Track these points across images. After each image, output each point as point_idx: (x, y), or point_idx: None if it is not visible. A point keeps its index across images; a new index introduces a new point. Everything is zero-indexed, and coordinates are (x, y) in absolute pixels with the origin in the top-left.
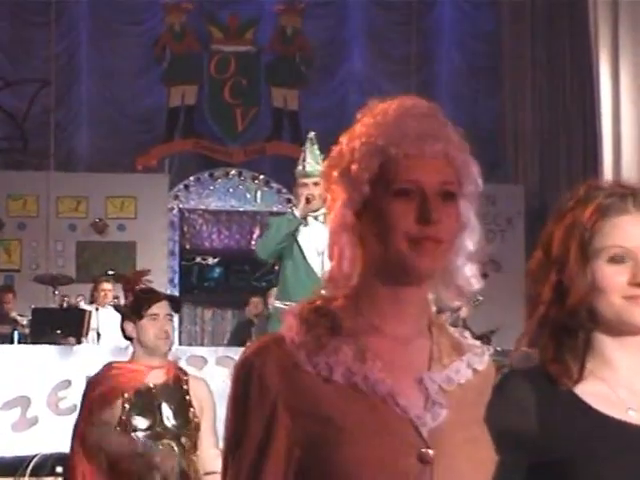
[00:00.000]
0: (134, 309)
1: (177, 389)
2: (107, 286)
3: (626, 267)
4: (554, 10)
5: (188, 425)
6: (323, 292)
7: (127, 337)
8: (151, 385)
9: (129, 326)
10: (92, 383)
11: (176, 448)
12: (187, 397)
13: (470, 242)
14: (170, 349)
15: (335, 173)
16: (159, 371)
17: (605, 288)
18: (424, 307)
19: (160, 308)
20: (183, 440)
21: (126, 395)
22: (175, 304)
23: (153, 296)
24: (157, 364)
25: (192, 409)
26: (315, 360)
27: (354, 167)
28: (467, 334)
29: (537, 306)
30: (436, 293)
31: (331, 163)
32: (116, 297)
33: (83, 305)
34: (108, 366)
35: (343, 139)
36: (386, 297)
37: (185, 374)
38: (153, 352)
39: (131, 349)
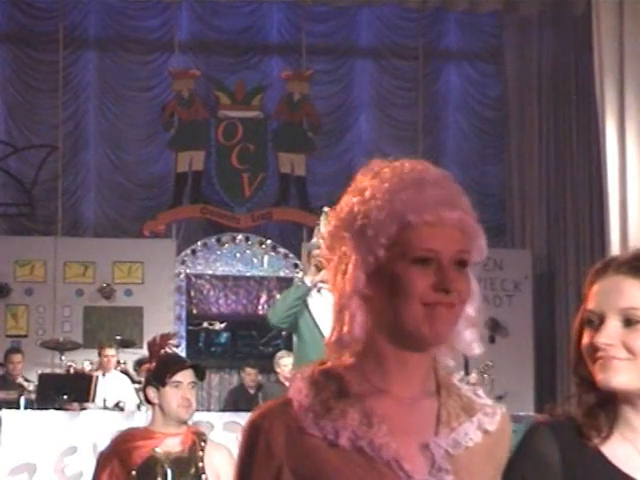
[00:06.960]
0: (157, 375)
1: (190, 456)
2: (110, 352)
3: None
4: (560, 75)
5: None
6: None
7: (149, 402)
8: (160, 452)
9: (151, 392)
10: (102, 459)
11: None
12: (200, 464)
13: (471, 307)
14: (191, 417)
15: (346, 234)
16: (175, 439)
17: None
18: (430, 369)
19: (184, 376)
20: None
21: (133, 473)
22: (199, 372)
23: (177, 364)
24: (174, 431)
25: (204, 475)
26: (321, 424)
27: (371, 231)
28: (481, 392)
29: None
30: (436, 355)
31: (339, 224)
32: (123, 362)
33: (88, 366)
34: (120, 437)
35: (350, 199)
36: (393, 360)
37: (204, 440)
38: (173, 420)
39: (144, 414)
